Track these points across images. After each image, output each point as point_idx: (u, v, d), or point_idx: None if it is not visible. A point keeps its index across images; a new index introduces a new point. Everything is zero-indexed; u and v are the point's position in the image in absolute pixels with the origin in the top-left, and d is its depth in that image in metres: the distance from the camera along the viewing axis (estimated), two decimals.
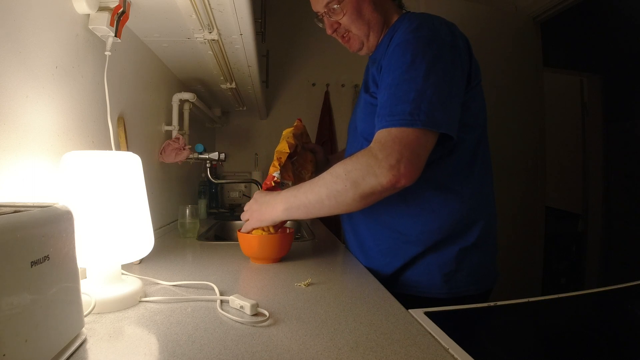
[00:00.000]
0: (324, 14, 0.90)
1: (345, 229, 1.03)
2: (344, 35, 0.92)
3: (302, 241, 1.30)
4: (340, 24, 0.90)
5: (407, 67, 0.74)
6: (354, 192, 0.73)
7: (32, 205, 0.45)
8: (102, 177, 0.62)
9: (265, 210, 0.88)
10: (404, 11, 0.93)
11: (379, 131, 0.74)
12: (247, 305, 0.60)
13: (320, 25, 0.95)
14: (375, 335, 0.53)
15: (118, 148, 0.95)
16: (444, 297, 0.82)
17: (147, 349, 0.49)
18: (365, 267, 0.91)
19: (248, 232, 0.94)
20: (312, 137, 2.60)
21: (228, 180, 2.25)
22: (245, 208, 0.95)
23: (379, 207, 0.87)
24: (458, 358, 0.46)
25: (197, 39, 1.12)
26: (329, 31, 0.93)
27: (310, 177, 1.03)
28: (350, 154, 0.93)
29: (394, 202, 0.85)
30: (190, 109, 1.56)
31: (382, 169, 0.70)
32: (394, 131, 0.71)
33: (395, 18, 0.90)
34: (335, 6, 0.87)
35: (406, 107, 0.71)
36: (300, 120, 1.11)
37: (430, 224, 0.83)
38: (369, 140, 0.86)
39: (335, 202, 0.76)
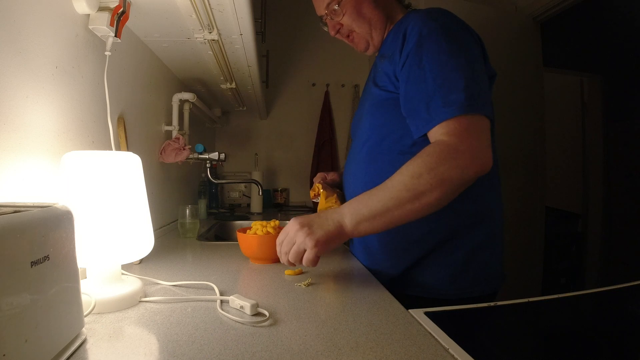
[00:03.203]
0: (326, 16, 0.91)
1: None
2: (348, 36, 0.93)
3: None
4: (342, 24, 0.91)
5: (447, 56, 0.72)
6: (441, 190, 0.67)
7: (32, 205, 0.45)
8: (102, 177, 0.62)
9: (321, 226, 0.70)
10: (409, 10, 0.94)
11: (443, 123, 0.70)
12: (247, 305, 0.60)
13: (325, 28, 0.96)
14: (375, 335, 0.53)
15: (118, 148, 0.95)
16: (450, 298, 0.81)
17: (147, 349, 0.49)
18: (370, 268, 0.89)
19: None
20: (312, 137, 2.61)
21: (228, 180, 2.25)
22: (279, 239, 0.74)
23: None
24: (458, 358, 0.46)
25: (197, 39, 1.12)
26: (332, 32, 0.94)
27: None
28: (355, 157, 0.93)
29: None
30: (190, 109, 1.56)
31: (466, 161, 0.68)
32: (463, 121, 0.69)
33: (399, 15, 0.91)
34: (335, 7, 0.88)
35: (461, 95, 0.69)
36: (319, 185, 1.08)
37: (437, 223, 0.81)
38: (381, 134, 0.84)
39: (419, 205, 0.67)
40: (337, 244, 0.71)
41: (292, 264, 0.72)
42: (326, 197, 1.00)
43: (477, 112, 0.70)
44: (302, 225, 0.70)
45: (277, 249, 0.74)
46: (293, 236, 0.71)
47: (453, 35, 0.75)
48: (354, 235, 0.71)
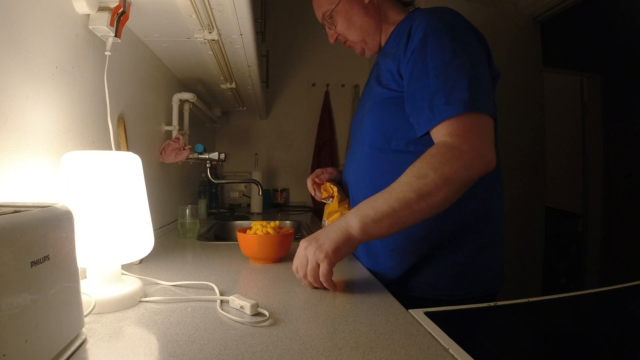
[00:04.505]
0: (324, 25, 0.96)
1: None
2: (345, 42, 0.97)
3: None
4: (339, 33, 0.95)
5: (451, 55, 0.72)
6: (447, 190, 0.67)
7: (32, 205, 0.45)
8: (102, 177, 0.62)
9: (328, 236, 0.70)
10: (411, 8, 0.95)
11: (446, 122, 0.70)
12: (247, 305, 0.60)
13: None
14: (375, 335, 0.53)
15: (118, 148, 0.95)
16: (451, 299, 0.80)
17: (147, 349, 0.49)
18: (372, 269, 0.89)
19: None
20: (312, 137, 2.60)
21: (228, 180, 2.25)
22: (294, 266, 0.74)
23: None
24: (458, 358, 0.46)
25: (197, 39, 1.12)
26: (331, 40, 0.98)
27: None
28: (356, 157, 0.93)
29: None
30: (190, 109, 1.56)
31: (471, 160, 0.68)
32: (466, 120, 0.69)
33: (398, 15, 0.91)
34: (328, 18, 0.93)
35: (464, 94, 0.69)
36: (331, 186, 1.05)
37: (440, 224, 0.80)
38: (382, 133, 0.84)
39: (426, 205, 0.67)
40: (348, 250, 0.70)
41: (316, 287, 0.72)
42: (340, 201, 0.98)
43: (480, 111, 0.70)
44: (309, 242, 0.70)
45: (296, 276, 0.74)
46: (304, 256, 0.71)
47: (458, 35, 0.75)
48: (362, 239, 0.70)
